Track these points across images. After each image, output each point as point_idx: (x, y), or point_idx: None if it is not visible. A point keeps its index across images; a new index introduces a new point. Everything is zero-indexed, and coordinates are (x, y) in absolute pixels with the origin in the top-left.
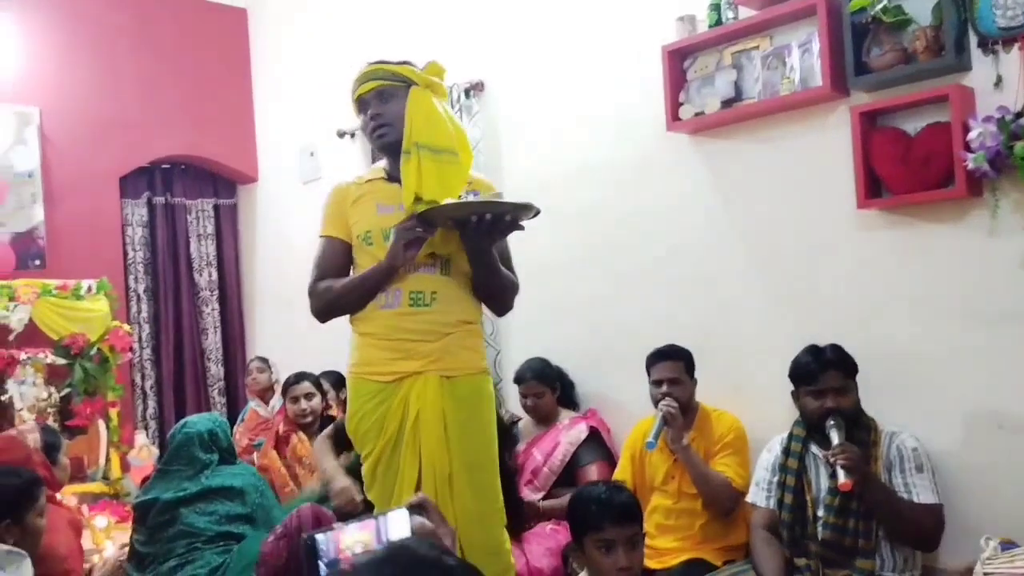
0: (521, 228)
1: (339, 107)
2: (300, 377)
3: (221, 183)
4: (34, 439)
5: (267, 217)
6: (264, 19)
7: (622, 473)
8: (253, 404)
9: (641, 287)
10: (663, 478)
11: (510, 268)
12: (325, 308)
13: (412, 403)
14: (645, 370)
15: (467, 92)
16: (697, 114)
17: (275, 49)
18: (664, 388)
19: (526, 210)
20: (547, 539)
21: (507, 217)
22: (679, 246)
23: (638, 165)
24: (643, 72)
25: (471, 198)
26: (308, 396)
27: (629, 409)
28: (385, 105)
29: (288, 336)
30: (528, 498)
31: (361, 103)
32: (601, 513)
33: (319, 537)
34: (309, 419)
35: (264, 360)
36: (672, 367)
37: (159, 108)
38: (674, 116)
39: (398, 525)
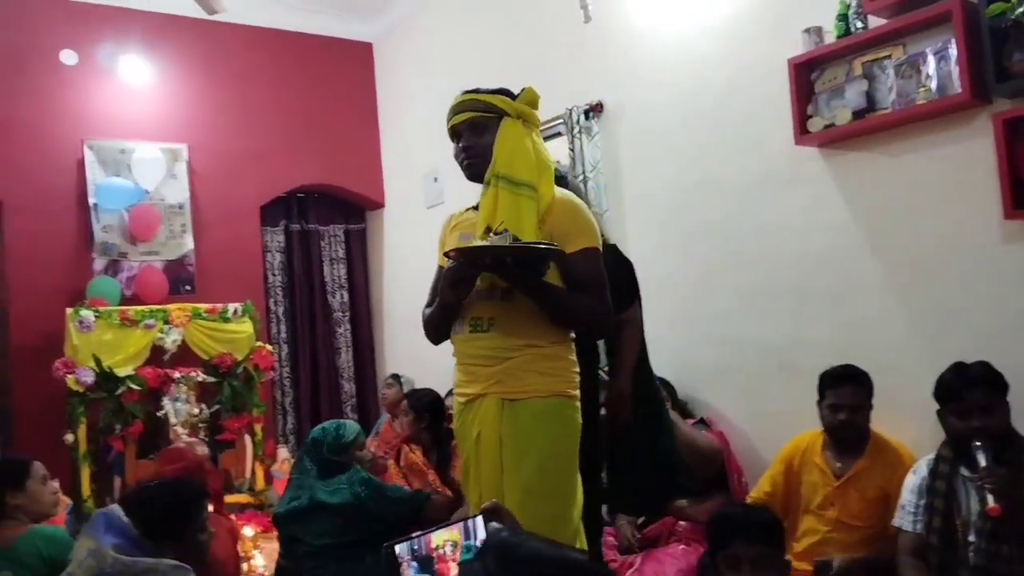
0: (542, 272)
1: None
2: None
3: (351, 209)
4: (202, 451)
5: (393, 241)
6: (388, 51)
7: (769, 484)
8: (386, 419)
9: (769, 303)
10: (820, 502)
11: (595, 292)
12: (425, 332)
13: (476, 425)
14: (818, 391)
15: (586, 114)
16: (827, 126)
17: (399, 79)
18: (843, 416)
19: (542, 255)
20: (679, 558)
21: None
22: (809, 261)
23: (764, 180)
24: (768, 86)
25: (494, 239)
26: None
27: (752, 425)
28: (476, 137)
29: (415, 354)
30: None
31: (454, 132)
32: (731, 530)
33: (399, 547)
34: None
35: (395, 376)
36: (857, 393)
37: (294, 141)
38: (802, 129)
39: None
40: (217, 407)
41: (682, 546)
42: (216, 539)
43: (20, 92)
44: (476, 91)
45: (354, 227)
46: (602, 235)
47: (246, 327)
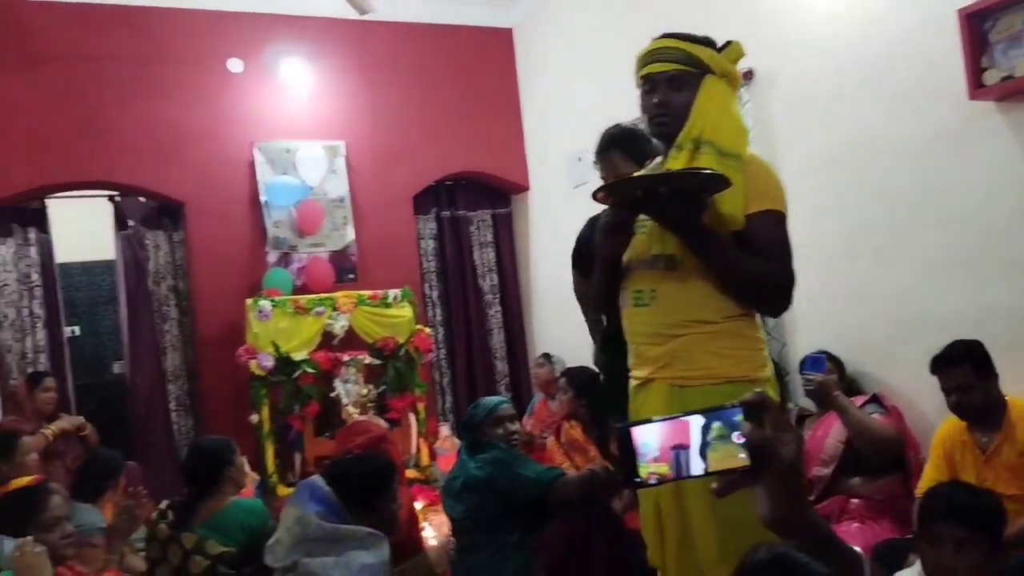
0: (704, 205)
1: (605, 110)
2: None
3: (496, 194)
4: (383, 425)
5: (539, 222)
6: (528, 34)
7: (935, 472)
8: (540, 398)
9: (948, 274)
10: (976, 480)
11: (776, 258)
12: (595, 301)
13: (644, 413)
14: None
15: None
16: (1005, 79)
17: (540, 61)
18: (953, 398)
19: (704, 182)
20: (854, 536)
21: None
22: (992, 226)
23: (935, 139)
24: (935, 40)
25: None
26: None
27: (929, 402)
28: (675, 92)
29: (564, 333)
30: (820, 473)
31: (647, 80)
32: (937, 509)
33: (637, 429)
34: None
35: (546, 356)
36: (959, 373)
37: (440, 131)
38: (976, 83)
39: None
40: (383, 387)
41: (856, 524)
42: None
43: (195, 101)
44: (679, 37)
45: (500, 211)
46: None
47: (406, 312)
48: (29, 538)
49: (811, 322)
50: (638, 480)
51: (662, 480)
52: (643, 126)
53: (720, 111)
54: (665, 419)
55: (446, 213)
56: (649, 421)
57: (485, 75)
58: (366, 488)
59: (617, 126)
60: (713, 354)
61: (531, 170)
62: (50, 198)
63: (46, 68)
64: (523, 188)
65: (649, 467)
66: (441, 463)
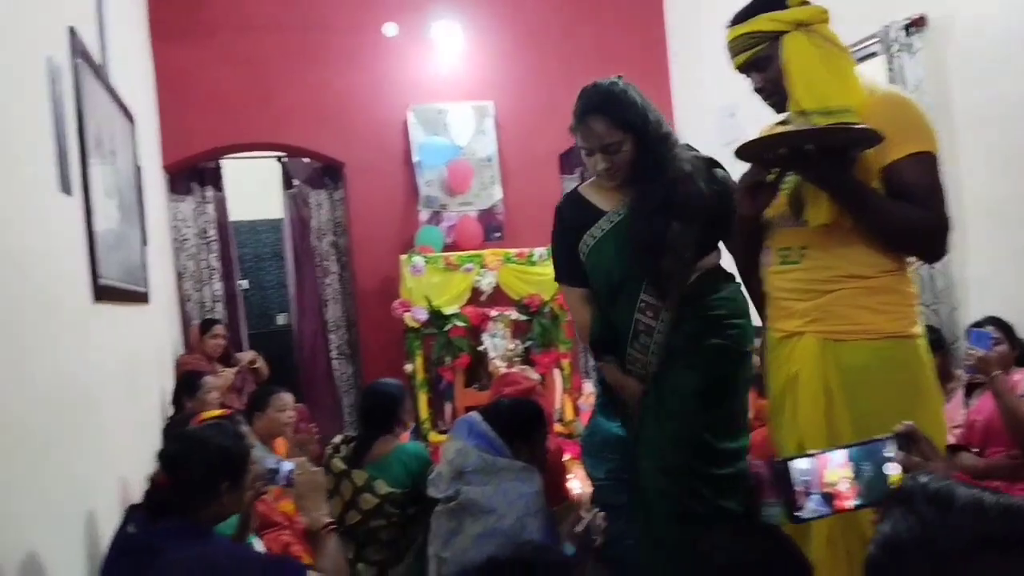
0: (853, 160)
1: None
2: None
3: None
4: (534, 377)
5: None
6: None
7: None
8: None
9: None
10: None
11: (929, 204)
12: (734, 260)
13: (790, 364)
14: None
15: (907, 29)
16: None
17: (691, 12)
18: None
19: (854, 137)
20: None
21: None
22: None
23: None
24: None
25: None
26: None
27: None
28: (763, 73)
29: None
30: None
31: (744, 72)
32: None
33: (793, 464)
34: None
35: None
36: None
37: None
38: None
39: (878, 455)
40: (529, 343)
41: None
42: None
43: (353, 66)
44: (739, 22)
45: None
46: (691, 149)
47: (550, 270)
48: (304, 459)
49: (983, 285)
50: (797, 515)
51: (820, 514)
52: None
53: (805, 70)
54: (819, 453)
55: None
56: (805, 456)
57: (632, 29)
58: (518, 427)
59: (595, 86)
60: (867, 309)
61: (680, 126)
62: (225, 159)
63: (222, 38)
64: None
65: (808, 500)
66: (584, 419)
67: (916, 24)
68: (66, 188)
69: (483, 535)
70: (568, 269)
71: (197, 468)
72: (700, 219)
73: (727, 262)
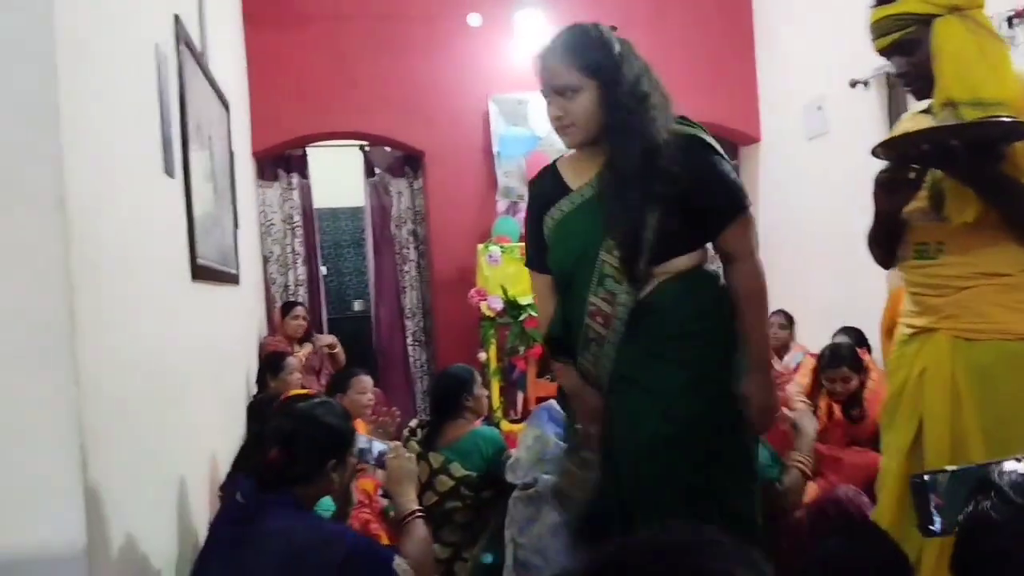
0: (1000, 155)
1: (851, 55)
2: None
3: (724, 145)
4: None
5: (769, 176)
6: None
7: None
8: None
9: None
10: None
11: None
12: (871, 252)
13: (917, 362)
14: None
15: (1009, 21)
16: None
17: (779, 3)
18: None
19: (1004, 130)
20: None
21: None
22: None
23: None
24: None
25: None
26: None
27: None
28: (908, 56)
29: (796, 291)
30: None
31: (887, 55)
32: None
33: (930, 478)
34: None
35: (788, 317)
36: None
37: (668, 80)
38: None
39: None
40: None
41: None
42: None
43: (436, 55)
44: (886, 2)
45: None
46: (688, 123)
47: None
48: (397, 442)
49: None
50: (931, 528)
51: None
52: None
53: (958, 57)
54: (958, 469)
55: None
56: (942, 472)
57: (717, 20)
58: None
59: (571, 25)
60: (1004, 307)
61: (763, 120)
62: (310, 147)
63: (310, 26)
64: (753, 139)
65: (941, 515)
66: None
67: (1021, 16)
68: (169, 171)
69: (559, 525)
70: (533, 253)
71: (307, 445)
72: (661, 204)
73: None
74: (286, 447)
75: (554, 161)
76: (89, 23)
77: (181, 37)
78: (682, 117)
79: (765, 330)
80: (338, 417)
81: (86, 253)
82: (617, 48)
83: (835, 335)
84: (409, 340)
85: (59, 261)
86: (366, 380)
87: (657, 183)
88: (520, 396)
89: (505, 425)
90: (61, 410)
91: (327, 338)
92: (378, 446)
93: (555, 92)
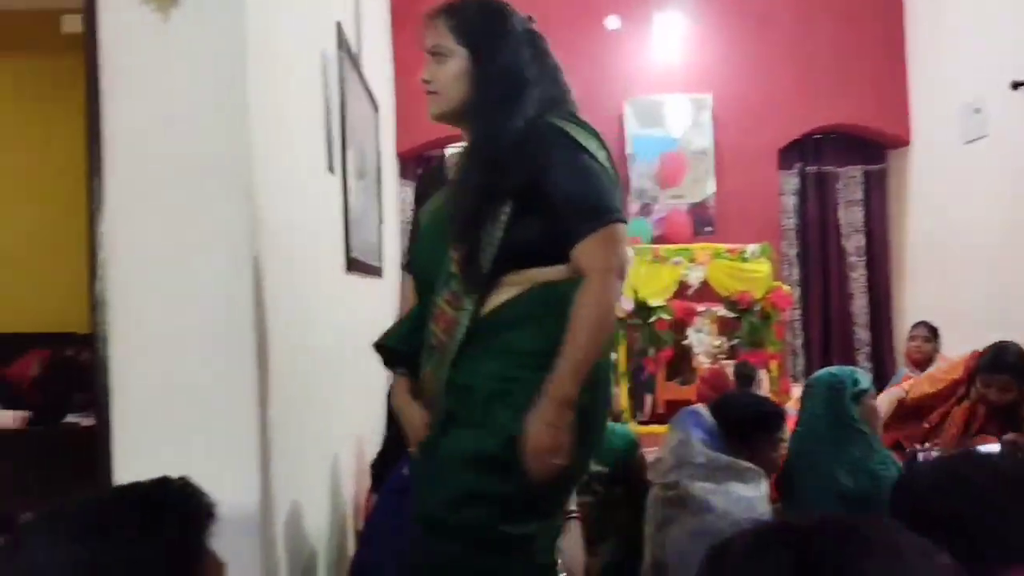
0: None
1: (1013, 54)
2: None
3: (870, 149)
4: (729, 373)
5: (920, 181)
6: None
7: None
8: (906, 372)
9: None
10: None
11: None
12: None
13: None
14: None
15: None
16: None
17: (934, 4)
18: None
19: None
20: None
21: None
22: None
23: None
24: None
25: None
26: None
27: None
28: None
29: (944, 305)
30: None
31: None
32: None
33: None
34: None
35: (932, 329)
36: None
37: (811, 81)
38: None
39: None
40: (736, 341)
41: None
42: None
43: (572, 58)
44: None
45: (873, 167)
46: (573, 120)
47: (763, 267)
48: None
49: None
50: None
51: None
52: None
53: None
54: None
55: (811, 168)
56: None
57: (865, 16)
58: (751, 425)
59: None
60: None
61: (914, 123)
62: (449, 147)
63: None
64: (903, 142)
65: None
66: (791, 423)
67: None
68: (331, 168)
69: (699, 532)
70: (407, 253)
71: None
72: (510, 201)
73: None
74: None
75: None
76: (269, 32)
77: (342, 43)
78: (574, 116)
79: (580, 363)
80: None
81: (269, 241)
82: (507, 27)
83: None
84: None
85: (248, 248)
86: None
87: (500, 175)
88: (648, 398)
89: (633, 427)
90: (243, 382)
91: None
92: None
93: (428, 52)
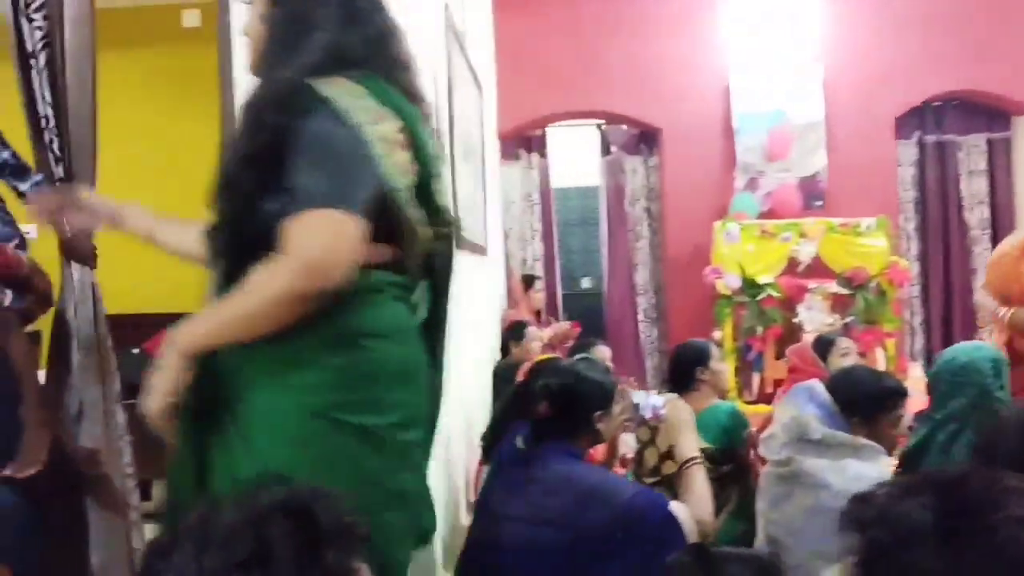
0: None
1: None
2: None
3: (994, 116)
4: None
5: None
6: None
7: None
8: None
9: None
10: None
11: None
12: None
13: None
14: None
15: None
16: None
17: None
18: None
19: None
20: None
21: None
22: None
23: None
24: None
25: None
26: None
27: None
28: None
29: None
30: None
31: None
32: None
33: None
34: None
35: None
36: None
37: (932, 44)
38: None
39: None
40: (849, 318)
41: None
42: None
43: (675, 31)
44: None
45: (998, 135)
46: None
47: (879, 242)
48: (673, 394)
49: None
50: None
51: None
52: None
53: None
54: None
55: (930, 137)
56: None
57: None
58: (869, 401)
59: None
60: None
61: None
62: (550, 127)
63: (551, 9)
64: None
65: None
66: (910, 405)
67: None
68: (441, 149)
69: (813, 509)
70: None
71: (573, 399)
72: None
73: None
74: (553, 402)
75: None
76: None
77: (449, 25)
78: (370, 78)
79: (211, 327)
80: (600, 372)
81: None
82: None
83: None
84: (640, 317)
85: None
86: (604, 350)
87: (249, 137)
88: (756, 377)
89: (740, 407)
90: None
91: (564, 326)
92: (654, 399)
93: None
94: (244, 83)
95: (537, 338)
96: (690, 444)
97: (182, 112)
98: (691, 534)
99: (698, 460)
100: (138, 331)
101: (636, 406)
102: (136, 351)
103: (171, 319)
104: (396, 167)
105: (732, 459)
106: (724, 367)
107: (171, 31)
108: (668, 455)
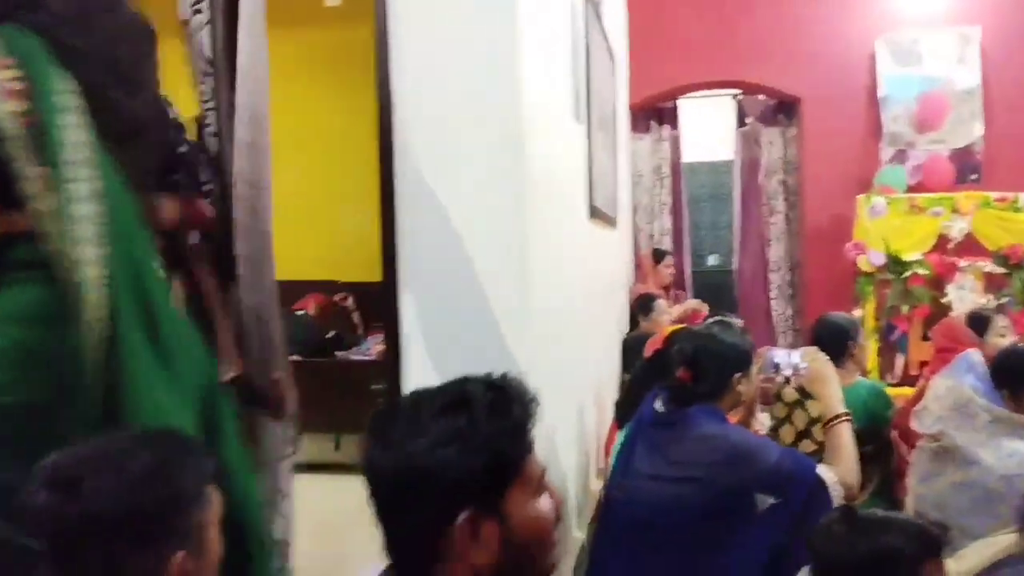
0: None
1: None
2: None
3: None
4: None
5: None
6: None
7: None
8: None
9: None
10: None
11: None
12: None
13: None
14: None
15: None
16: None
17: None
18: None
19: None
20: None
21: None
22: None
23: None
24: None
25: None
26: None
27: None
28: None
29: None
30: None
31: None
32: None
33: None
34: None
35: None
36: None
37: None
38: None
39: None
40: (1005, 299)
41: None
42: None
43: None
44: None
45: None
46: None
47: None
48: (813, 347)
49: None
50: None
51: None
52: None
53: None
54: None
55: None
56: None
57: None
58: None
59: None
60: None
61: None
62: (682, 99)
63: None
64: None
65: None
66: None
67: None
68: (578, 117)
69: (963, 485)
70: None
71: (711, 361)
72: None
73: None
74: (691, 366)
75: None
76: None
77: None
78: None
79: None
80: (737, 335)
81: (532, 188)
82: None
83: None
84: (773, 294)
85: (519, 192)
86: (738, 323)
87: None
88: (900, 359)
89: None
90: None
91: (693, 303)
92: (794, 356)
93: None
94: (399, 59)
95: (666, 312)
96: (836, 398)
97: (339, 85)
98: (837, 498)
99: (845, 417)
100: None
101: (776, 365)
102: None
103: None
104: None
105: (874, 439)
106: (868, 344)
107: (313, 11)
108: (805, 433)
